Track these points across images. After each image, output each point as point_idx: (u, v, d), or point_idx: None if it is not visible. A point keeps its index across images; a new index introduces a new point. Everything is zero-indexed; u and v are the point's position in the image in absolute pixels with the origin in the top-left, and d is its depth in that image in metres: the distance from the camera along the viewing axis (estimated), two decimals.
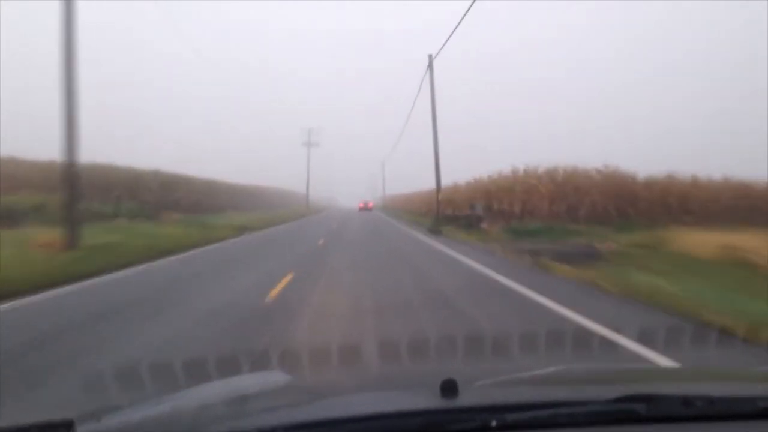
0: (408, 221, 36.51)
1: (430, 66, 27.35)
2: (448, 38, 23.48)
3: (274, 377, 2.74)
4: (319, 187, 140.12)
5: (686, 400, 1.45)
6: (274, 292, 8.30)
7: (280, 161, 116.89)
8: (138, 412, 1.74)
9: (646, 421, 1.42)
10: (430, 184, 55.75)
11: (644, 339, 5.01)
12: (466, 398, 1.51)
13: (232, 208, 52.63)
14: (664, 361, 4.55)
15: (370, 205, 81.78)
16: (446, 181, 40.74)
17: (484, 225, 21.86)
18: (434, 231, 23.42)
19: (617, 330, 5.51)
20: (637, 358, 4.73)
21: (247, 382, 2.51)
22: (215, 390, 2.15)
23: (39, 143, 42.71)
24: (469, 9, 18.27)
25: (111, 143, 79.23)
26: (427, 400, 1.54)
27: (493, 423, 1.37)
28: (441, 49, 25.44)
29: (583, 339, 5.40)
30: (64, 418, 1.37)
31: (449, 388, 1.48)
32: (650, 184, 25.53)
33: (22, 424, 1.38)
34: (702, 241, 13.40)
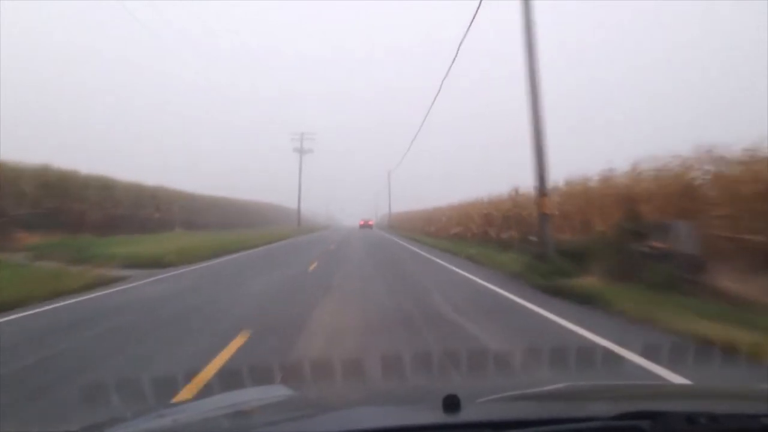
0: (447, 253, 21.44)
1: None
2: None
3: (277, 391, 2.65)
4: (318, 206, 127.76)
5: (690, 417, 1.40)
6: None
7: (278, 177, 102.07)
8: (140, 424, 1.71)
9: None
10: (447, 199, 41.49)
11: None
12: (468, 414, 1.46)
13: (186, 225, 38.25)
14: None
15: (370, 222, 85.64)
16: (490, 190, 26.47)
17: (726, 283, 7.39)
18: (570, 293, 8.87)
19: None
20: None
21: (250, 395, 2.39)
22: (217, 403, 2.06)
23: None
24: None
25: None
26: (429, 415, 1.51)
27: None
28: None
29: None
30: (66, 430, 1.34)
31: (451, 403, 1.44)
32: None
33: None
34: None
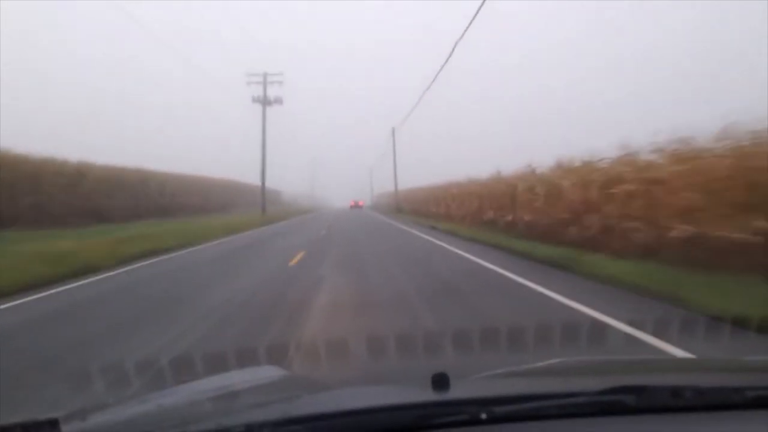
0: None
1: None
2: None
3: (265, 372, 2.52)
4: (303, 186, 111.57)
5: (675, 391, 1.41)
6: None
7: (249, 150, 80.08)
8: (124, 410, 1.66)
9: (635, 412, 1.37)
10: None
11: None
12: (457, 391, 1.46)
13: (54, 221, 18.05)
14: None
15: (361, 203, 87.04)
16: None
17: None
18: None
19: None
20: None
21: (237, 378, 2.31)
22: (203, 387, 2.00)
23: None
24: None
25: None
26: (418, 393, 1.49)
27: (483, 416, 1.33)
28: None
29: None
30: (49, 417, 1.31)
31: (440, 381, 1.44)
32: None
33: (6, 424, 1.30)
34: None
